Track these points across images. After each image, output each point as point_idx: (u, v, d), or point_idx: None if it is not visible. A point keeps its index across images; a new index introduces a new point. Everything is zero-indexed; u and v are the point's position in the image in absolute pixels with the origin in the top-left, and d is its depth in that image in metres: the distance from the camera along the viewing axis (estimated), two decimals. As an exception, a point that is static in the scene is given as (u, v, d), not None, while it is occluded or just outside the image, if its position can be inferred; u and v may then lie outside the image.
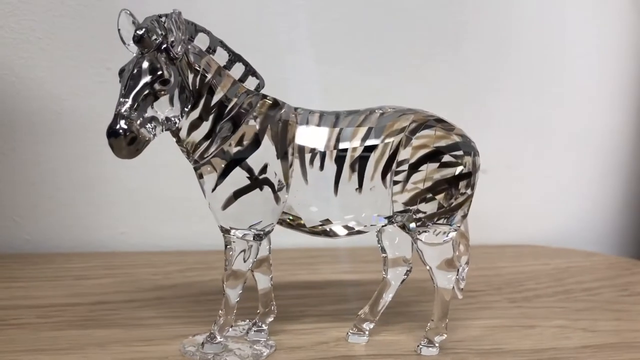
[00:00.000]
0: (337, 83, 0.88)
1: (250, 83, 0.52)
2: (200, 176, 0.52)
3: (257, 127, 0.51)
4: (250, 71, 0.52)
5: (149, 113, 0.46)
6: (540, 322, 0.68)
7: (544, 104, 0.97)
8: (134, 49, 0.48)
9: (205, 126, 0.50)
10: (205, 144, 0.50)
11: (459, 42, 0.92)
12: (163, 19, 0.48)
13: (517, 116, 0.96)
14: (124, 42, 0.49)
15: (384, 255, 0.60)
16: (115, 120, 0.45)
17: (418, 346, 0.59)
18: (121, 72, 0.47)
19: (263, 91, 0.53)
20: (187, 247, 0.88)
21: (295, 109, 0.53)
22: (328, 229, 0.54)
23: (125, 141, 0.44)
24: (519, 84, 0.96)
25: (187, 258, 0.82)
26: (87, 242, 0.84)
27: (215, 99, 0.50)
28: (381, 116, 0.53)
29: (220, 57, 0.52)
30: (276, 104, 0.53)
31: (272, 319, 0.60)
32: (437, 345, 0.59)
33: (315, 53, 0.88)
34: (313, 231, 0.55)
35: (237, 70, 0.53)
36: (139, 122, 0.45)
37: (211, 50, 0.50)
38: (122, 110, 0.45)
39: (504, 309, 0.71)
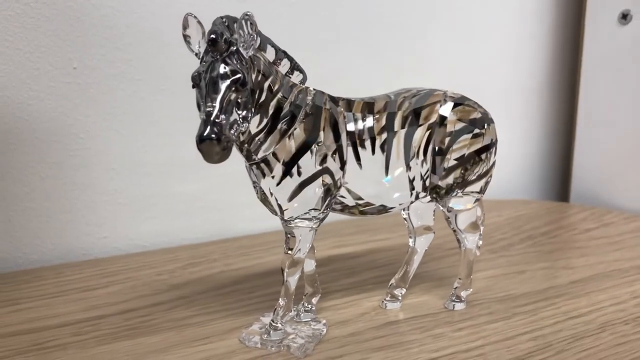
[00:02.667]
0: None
1: (295, 77, 0.54)
2: (259, 170, 0.53)
3: (312, 119, 0.53)
4: (295, 66, 0.53)
5: (233, 116, 0.46)
6: (527, 267, 0.77)
7: (468, 68, 1.07)
8: (194, 49, 0.48)
9: (265, 122, 0.51)
10: (265, 139, 0.51)
11: (395, 16, 0.98)
12: (224, 19, 0.48)
13: (443, 79, 1.04)
14: (188, 44, 0.48)
15: (409, 226, 0.65)
16: (205, 127, 0.44)
17: (450, 302, 0.65)
18: (196, 77, 0.46)
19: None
20: (170, 244, 0.87)
21: (334, 97, 0.56)
22: (374, 210, 0.58)
23: (220, 147, 0.44)
24: (446, 50, 1.04)
25: (178, 254, 0.81)
26: (67, 252, 0.80)
27: (274, 96, 0.51)
28: (416, 98, 0.57)
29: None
30: (322, 95, 0.55)
31: (318, 298, 0.63)
32: (464, 299, 0.65)
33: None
34: (359, 212, 0.58)
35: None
36: (228, 126, 0.45)
37: (261, 49, 0.51)
38: (212, 116, 0.45)
39: (491, 260, 0.80)
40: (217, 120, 0.45)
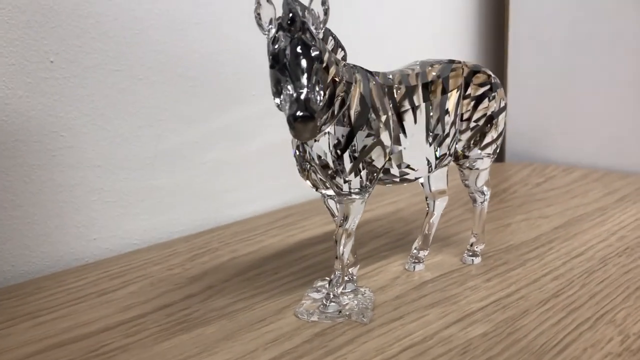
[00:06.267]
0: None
1: (338, 54, 0.55)
2: (312, 146, 0.54)
3: (362, 94, 0.55)
4: (338, 44, 0.55)
5: (316, 93, 0.47)
6: (508, 221, 0.85)
7: (396, 39, 1.13)
8: (265, 28, 0.48)
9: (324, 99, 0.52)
10: (324, 116, 0.52)
11: None
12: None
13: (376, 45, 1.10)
14: (259, 22, 0.48)
15: (426, 191, 0.69)
16: (298, 105, 0.45)
17: (468, 257, 0.70)
18: (277, 56, 0.46)
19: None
20: (160, 239, 0.84)
21: (370, 71, 0.58)
22: (410, 178, 0.61)
23: (314, 123, 0.45)
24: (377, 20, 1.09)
25: (176, 248, 0.79)
26: (57, 259, 0.75)
27: (330, 72, 0.52)
28: (440, 68, 0.61)
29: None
30: (363, 70, 0.57)
31: (358, 268, 0.65)
32: (479, 254, 0.71)
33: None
34: (393, 182, 0.61)
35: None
36: (316, 102, 0.46)
37: (316, 28, 0.52)
38: (303, 94, 0.45)
39: (469, 220, 0.85)
40: (309, 97, 0.45)
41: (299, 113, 0.45)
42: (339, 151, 0.54)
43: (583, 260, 0.70)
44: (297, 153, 0.56)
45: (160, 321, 0.60)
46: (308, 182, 0.58)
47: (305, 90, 0.46)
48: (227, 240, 0.82)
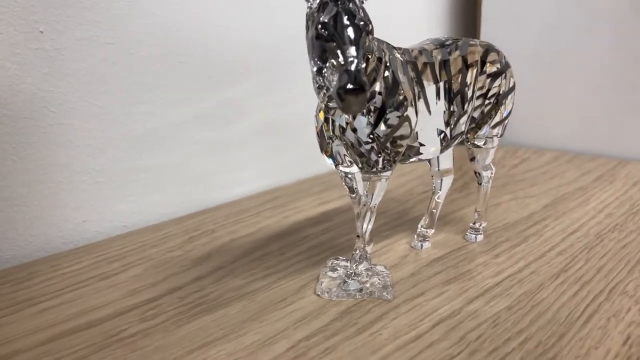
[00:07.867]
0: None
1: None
2: (342, 123, 0.53)
3: (392, 69, 0.54)
4: (367, 17, 0.53)
5: (363, 64, 0.46)
6: (497, 200, 0.87)
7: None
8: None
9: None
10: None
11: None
12: None
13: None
14: None
15: (434, 169, 0.69)
16: (349, 76, 0.43)
17: (471, 235, 0.71)
18: (325, 24, 0.45)
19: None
20: (148, 222, 0.81)
21: (394, 46, 0.57)
22: (427, 156, 0.61)
23: (364, 96, 0.44)
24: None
25: (168, 231, 0.76)
26: (45, 243, 0.71)
27: (366, 45, 0.51)
28: (460, 46, 0.61)
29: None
30: (389, 45, 0.56)
31: (372, 246, 0.64)
32: (481, 231, 0.72)
33: None
34: (411, 159, 0.61)
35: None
36: (365, 74, 0.45)
37: None
38: (354, 65, 0.44)
39: (463, 198, 0.88)
40: (359, 68, 0.44)
41: (349, 86, 0.43)
42: (368, 128, 0.53)
43: (580, 237, 0.72)
44: (322, 129, 0.55)
45: (176, 304, 0.57)
46: (328, 159, 0.57)
47: (356, 61, 0.44)
48: (221, 221, 0.80)
